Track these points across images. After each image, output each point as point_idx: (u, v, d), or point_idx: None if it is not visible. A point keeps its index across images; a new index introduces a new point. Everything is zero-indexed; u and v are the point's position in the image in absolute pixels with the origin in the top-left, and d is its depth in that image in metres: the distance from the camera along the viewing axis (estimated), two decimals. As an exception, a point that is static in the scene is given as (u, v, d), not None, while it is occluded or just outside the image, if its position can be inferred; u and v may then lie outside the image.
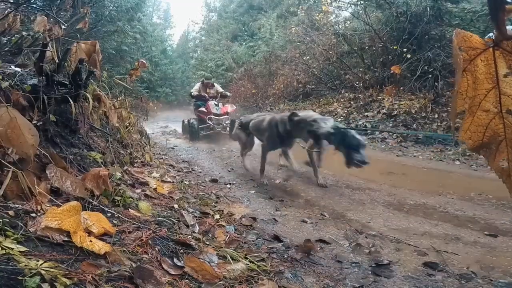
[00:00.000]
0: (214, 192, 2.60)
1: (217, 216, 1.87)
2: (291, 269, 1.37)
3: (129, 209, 1.51)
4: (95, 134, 2.16)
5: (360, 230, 1.94)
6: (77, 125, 1.79)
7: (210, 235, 1.56)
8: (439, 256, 1.59)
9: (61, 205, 1.08)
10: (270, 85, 11.17)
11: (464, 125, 0.51)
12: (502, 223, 2.07)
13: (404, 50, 6.62)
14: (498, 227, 2.02)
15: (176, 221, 1.56)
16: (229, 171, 3.73)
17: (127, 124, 2.99)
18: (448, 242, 1.79)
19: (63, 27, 2.18)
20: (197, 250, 1.29)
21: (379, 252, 1.63)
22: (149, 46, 18.55)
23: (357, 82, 7.68)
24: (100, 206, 1.37)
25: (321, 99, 8.64)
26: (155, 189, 2.05)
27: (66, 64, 1.83)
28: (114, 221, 1.30)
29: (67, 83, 1.75)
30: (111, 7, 11.36)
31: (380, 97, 6.80)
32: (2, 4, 2.22)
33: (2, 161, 1.11)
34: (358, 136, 2.64)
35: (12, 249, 0.82)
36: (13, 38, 2.26)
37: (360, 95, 7.24)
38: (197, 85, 7.12)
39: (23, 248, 0.86)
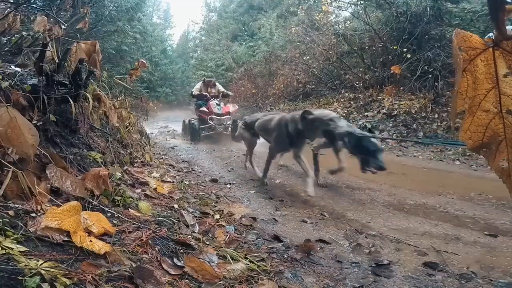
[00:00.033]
0: (214, 192, 2.60)
1: (217, 216, 1.87)
2: (291, 269, 1.37)
3: (129, 209, 1.51)
4: (95, 134, 2.16)
5: (360, 230, 1.94)
6: (77, 125, 1.79)
7: (210, 235, 1.56)
8: (439, 256, 1.59)
9: (61, 205, 1.08)
10: (270, 85, 11.17)
11: (464, 125, 0.51)
12: (502, 223, 2.07)
13: (404, 50, 6.62)
14: (498, 227, 2.02)
15: (176, 221, 1.56)
16: (229, 171, 3.73)
17: (127, 124, 2.99)
18: (448, 242, 1.79)
19: (63, 27, 2.18)
20: (197, 250, 1.29)
21: (379, 252, 1.63)
22: (149, 46, 18.55)
23: (357, 82, 7.68)
24: (100, 206, 1.37)
25: (321, 99, 8.64)
26: (155, 189, 2.05)
27: (66, 64, 1.83)
28: (114, 221, 1.30)
29: (67, 83, 1.75)
30: (111, 7, 11.35)
31: (380, 97, 6.80)
32: (2, 4, 2.22)
33: (2, 161, 1.11)
34: (374, 140, 2.50)
35: (12, 249, 0.82)
36: (13, 38, 2.26)
37: (360, 95, 7.24)
38: (198, 84, 6.98)
39: (23, 248, 0.86)
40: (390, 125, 5.93)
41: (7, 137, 1.09)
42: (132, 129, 3.15)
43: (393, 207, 2.45)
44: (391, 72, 6.41)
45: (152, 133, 6.43)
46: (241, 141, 4.05)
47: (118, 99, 2.89)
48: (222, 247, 1.40)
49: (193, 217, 1.73)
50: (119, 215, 1.37)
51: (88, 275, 0.85)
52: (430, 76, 6.15)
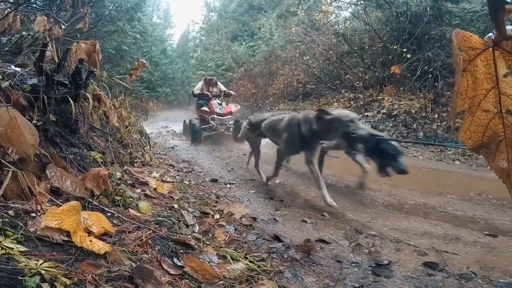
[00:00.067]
0: (214, 192, 2.60)
1: (217, 216, 1.87)
2: (291, 269, 1.37)
3: (129, 209, 1.51)
4: (95, 134, 2.16)
5: (360, 230, 1.94)
6: (77, 125, 1.79)
7: (210, 235, 1.56)
8: (439, 256, 1.59)
9: (61, 205, 1.08)
10: (270, 85, 11.17)
11: (464, 125, 0.51)
12: (502, 223, 2.07)
13: (404, 50, 6.62)
14: (498, 227, 2.02)
15: (176, 221, 1.56)
16: (229, 171, 3.73)
17: (127, 124, 2.99)
18: (448, 242, 1.79)
19: (63, 27, 2.18)
20: (197, 250, 1.29)
21: (379, 252, 1.63)
22: (149, 46, 18.56)
23: (357, 82, 7.68)
24: (100, 206, 1.37)
25: (321, 99, 8.64)
26: (155, 189, 2.05)
27: (66, 64, 1.83)
28: (114, 221, 1.30)
29: (67, 83, 1.75)
30: (111, 7, 11.36)
31: (380, 97, 6.80)
32: (2, 4, 2.22)
33: (2, 161, 1.11)
34: (393, 142, 2.38)
35: (12, 249, 0.82)
36: (13, 38, 2.26)
37: (360, 95, 7.24)
38: (200, 83, 6.76)
39: (23, 248, 0.86)
40: (390, 125, 5.93)
41: (7, 137, 1.09)
42: (132, 129, 3.15)
43: (393, 207, 2.45)
44: (391, 72, 6.41)
45: (152, 133, 6.42)
46: (244, 142, 3.85)
47: (118, 99, 2.90)
48: (222, 247, 1.40)
49: (193, 217, 1.73)
50: (119, 215, 1.37)
51: (88, 275, 0.85)
52: (430, 76, 6.15)
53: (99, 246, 0.99)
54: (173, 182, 2.54)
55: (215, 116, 5.87)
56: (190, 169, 3.57)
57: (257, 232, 1.78)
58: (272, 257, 1.46)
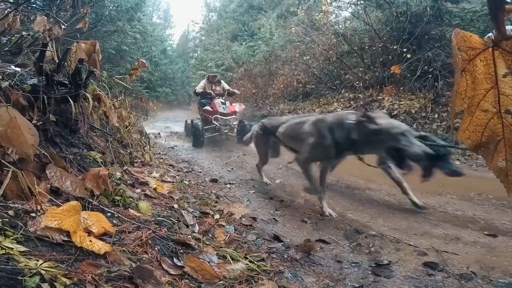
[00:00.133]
0: (214, 192, 2.60)
1: (217, 216, 1.87)
2: (291, 269, 1.37)
3: (129, 209, 1.51)
4: (95, 134, 2.16)
5: (360, 230, 1.94)
6: (77, 125, 1.79)
7: (210, 235, 1.56)
8: (439, 256, 1.59)
9: (61, 205, 1.08)
10: (270, 85, 11.17)
11: (463, 125, 0.51)
12: (502, 223, 2.07)
13: (404, 50, 6.61)
14: (498, 227, 2.02)
15: (176, 221, 1.56)
16: (229, 171, 3.73)
17: (127, 124, 2.99)
18: (448, 242, 1.79)
19: (63, 27, 2.18)
20: (197, 250, 1.29)
21: (379, 252, 1.63)
22: (149, 46, 18.57)
23: (357, 82, 7.68)
24: (100, 206, 1.37)
25: (321, 99, 8.64)
26: (155, 189, 2.05)
27: (66, 64, 1.83)
28: (114, 221, 1.30)
29: (67, 83, 1.75)
30: (111, 7, 11.36)
31: (380, 97, 6.80)
32: (2, 4, 2.22)
33: (2, 161, 1.11)
34: (442, 142, 2.19)
35: (12, 249, 0.83)
36: (13, 38, 2.26)
37: (360, 95, 7.24)
38: (202, 82, 6.40)
39: (23, 248, 0.86)
40: (390, 125, 5.92)
41: (7, 137, 1.09)
42: (132, 129, 3.15)
43: (393, 207, 2.45)
44: (391, 72, 6.40)
45: (151, 133, 6.40)
46: (250, 145, 3.53)
47: (118, 99, 2.90)
48: (222, 247, 1.40)
49: (193, 217, 1.73)
50: (119, 215, 1.37)
51: (88, 275, 0.85)
52: (430, 76, 6.15)
53: (99, 246, 0.99)
54: (173, 182, 2.54)
55: (218, 116, 5.50)
56: (190, 169, 3.57)
57: (257, 232, 1.78)
58: (272, 257, 1.46)
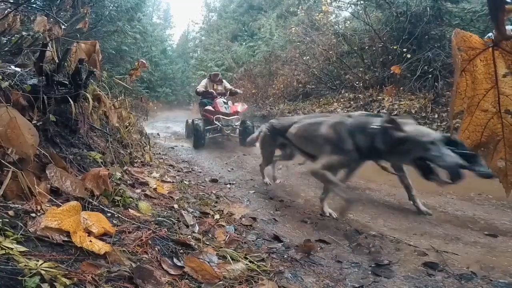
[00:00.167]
0: (214, 192, 2.60)
1: (217, 216, 1.87)
2: (291, 269, 1.37)
3: (129, 209, 1.51)
4: (95, 134, 2.16)
5: (360, 230, 1.94)
6: (77, 125, 1.79)
7: (210, 235, 1.56)
8: (439, 256, 1.59)
9: (61, 205, 1.08)
10: (270, 85, 11.17)
11: (462, 125, 0.51)
12: (502, 223, 2.07)
13: (404, 50, 6.62)
14: (498, 227, 2.02)
15: (176, 221, 1.56)
16: (229, 171, 3.73)
17: (127, 124, 2.99)
18: (448, 242, 1.79)
19: (63, 27, 2.18)
20: (197, 250, 1.29)
21: (379, 252, 1.63)
22: (149, 46, 18.58)
23: (357, 82, 7.68)
24: (100, 206, 1.37)
25: (321, 99, 8.64)
26: (155, 189, 2.05)
27: (66, 64, 1.83)
28: (114, 221, 1.30)
29: (67, 83, 1.75)
30: (111, 7, 11.36)
31: (380, 97, 6.80)
32: (2, 4, 2.22)
33: (2, 161, 1.11)
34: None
35: (12, 249, 0.82)
36: (13, 38, 2.26)
37: (360, 95, 7.24)
38: (204, 81, 6.24)
39: (22, 248, 0.86)
40: (390, 125, 5.92)
41: (7, 137, 1.09)
42: (132, 129, 3.15)
43: (393, 207, 2.45)
44: (391, 72, 6.41)
45: (151, 133, 6.39)
46: (254, 146, 3.37)
47: (118, 99, 2.90)
48: (222, 247, 1.40)
49: (193, 217, 1.73)
50: (119, 215, 1.37)
51: (88, 275, 0.85)
52: (430, 76, 6.15)
53: (99, 246, 0.99)
54: (173, 182, 2.55)
55: (220, 116, 5.33)
56: (190, 169, 3.57)
57: (257, 232, 1.78)
58: (272, 257, 1.46)
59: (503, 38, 0.46)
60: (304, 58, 9.71)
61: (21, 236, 0.91)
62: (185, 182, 2.71)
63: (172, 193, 2.15)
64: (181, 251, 1.25)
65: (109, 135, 2.27)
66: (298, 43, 10.41)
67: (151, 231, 1.27)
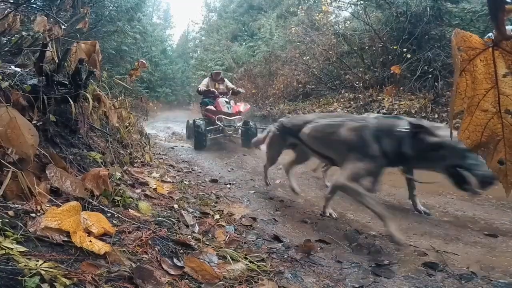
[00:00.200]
0: (214, 192, 2.60)
1: (217, 216, 1.87)
2: (291, 269, 1.37)
3: (129, 209, 1.51)
4: (95, 134, 2.16)
5: (360, 230, 1.94)
6: (77, 125, 1.79)
7: (210, 235, 1.56)
8: (439, 256, 1.59)
9: (61, 205, 1.08)
10: (270, 85, 11.18)
11: (462, 125, 0.51)
12: (502, 223, 2.07)
13: (404, 50, 6.62)
14: (498, 227, 2.02)
15: (176, 221, 1.56)
16: (229, 171, 3.73)
17: (127, 124, 2.99)
18: (448, 242, 1.79)
19: (63, 27, 2.18)
20: (197, 250, 1.29)
21: (379, 252, 1.63)
22: (149, 46, 18.60)
23: (357, 82, 7.68)
24: (100, 206, 1.37)
25: (321, 99, 8.65)
26: (155, 189, 2.05)
27: (66, 64, 1.83)
28: (114, 221, 1.30)
29: (67, 83, 1.75)
30: (111, 7, 11.37)
31: (380, 97, 6.81)
32: (2, 4, 2.22)
33: (2, 161, 1.11)
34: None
35: (11, 249, 0.82)
36: (13, 38, 2.26)
37: (360, 95, 7.24)
38: (205, 80, 6.04)
39: (22, 248, 0.86)
40: (390, 125, 5.92)
41: (7, 137, 1.09)
42: (132, 129, 3.15)
43: (393, 207, 2.45)
44: (391, 72, 6.41)
45: (151, 133, 6.38)
46: (260, 147, 3.16)
47: (118, 99, 2.90)
48: (222, 247, 1.40)
49: (193, 217, 1.73)
50: (119, 215, 1.37)
51: (88, 275, 0.85)
52: (430, 76, 6.15)
53: (99, 247, 0.99)
54: (173, 182, 2.54)
55: (222, 116, 5.15)
56: (190, 169, 3.57)
57: (257, 232, 1.78)
58: (272, 257, 1.46)
59: (503, 38, 0.46)
60: (304, 58, 9.73)
61: (21, 236, 0.91)
62: (185, 182, 2.71)
63: (172, 193, 2.15)
64: (181, 251, 1.25)
65: (109, 135, 2.27)
66: (298, 43, 10.42)
67: (151, 231, 1.27)
